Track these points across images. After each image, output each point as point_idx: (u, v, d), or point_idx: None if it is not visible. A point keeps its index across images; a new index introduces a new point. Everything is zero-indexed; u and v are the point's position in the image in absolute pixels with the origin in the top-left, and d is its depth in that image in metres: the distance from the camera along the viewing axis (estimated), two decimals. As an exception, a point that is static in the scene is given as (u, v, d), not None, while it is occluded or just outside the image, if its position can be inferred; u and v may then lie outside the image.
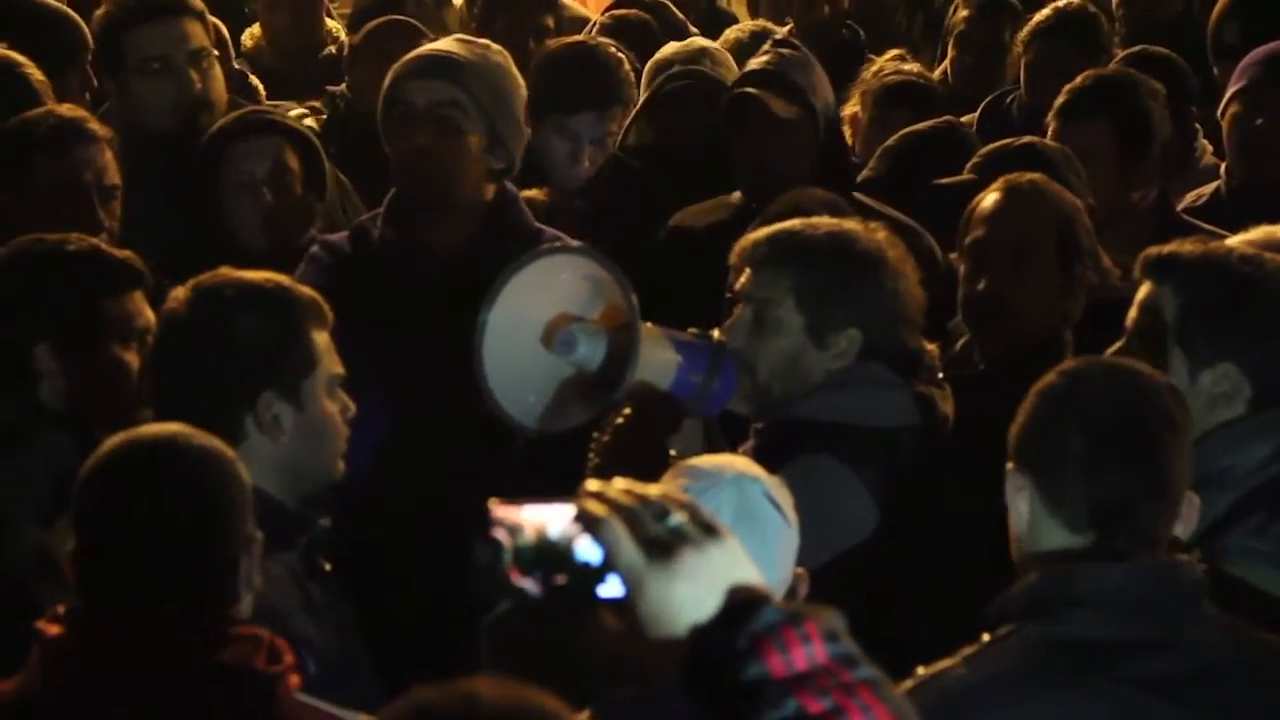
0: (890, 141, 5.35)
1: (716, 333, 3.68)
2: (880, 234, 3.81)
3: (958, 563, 3.65)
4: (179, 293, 3.44)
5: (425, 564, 4.08)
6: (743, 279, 3.77)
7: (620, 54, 5.27)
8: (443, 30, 6.04)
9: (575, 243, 4.14)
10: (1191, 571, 2.96)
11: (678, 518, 2.08)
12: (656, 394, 3.45)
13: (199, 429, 2.97)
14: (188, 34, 5.00)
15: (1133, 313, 3.56)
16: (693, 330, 3.64)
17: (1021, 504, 2.98)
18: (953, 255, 4.21)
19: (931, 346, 3.94)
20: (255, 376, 3.35)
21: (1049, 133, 5.01)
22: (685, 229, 4.95)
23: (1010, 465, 3.01)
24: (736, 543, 2.09)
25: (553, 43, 5.51)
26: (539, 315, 3.49)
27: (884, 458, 3.70)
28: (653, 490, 2.11)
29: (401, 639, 3.85)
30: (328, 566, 3.46)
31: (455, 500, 3.43)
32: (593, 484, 2.11)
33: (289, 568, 3.31)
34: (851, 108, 5.80)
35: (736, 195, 4.97)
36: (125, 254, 3.74)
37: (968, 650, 2.93)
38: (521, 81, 4.49)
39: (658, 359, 3.48)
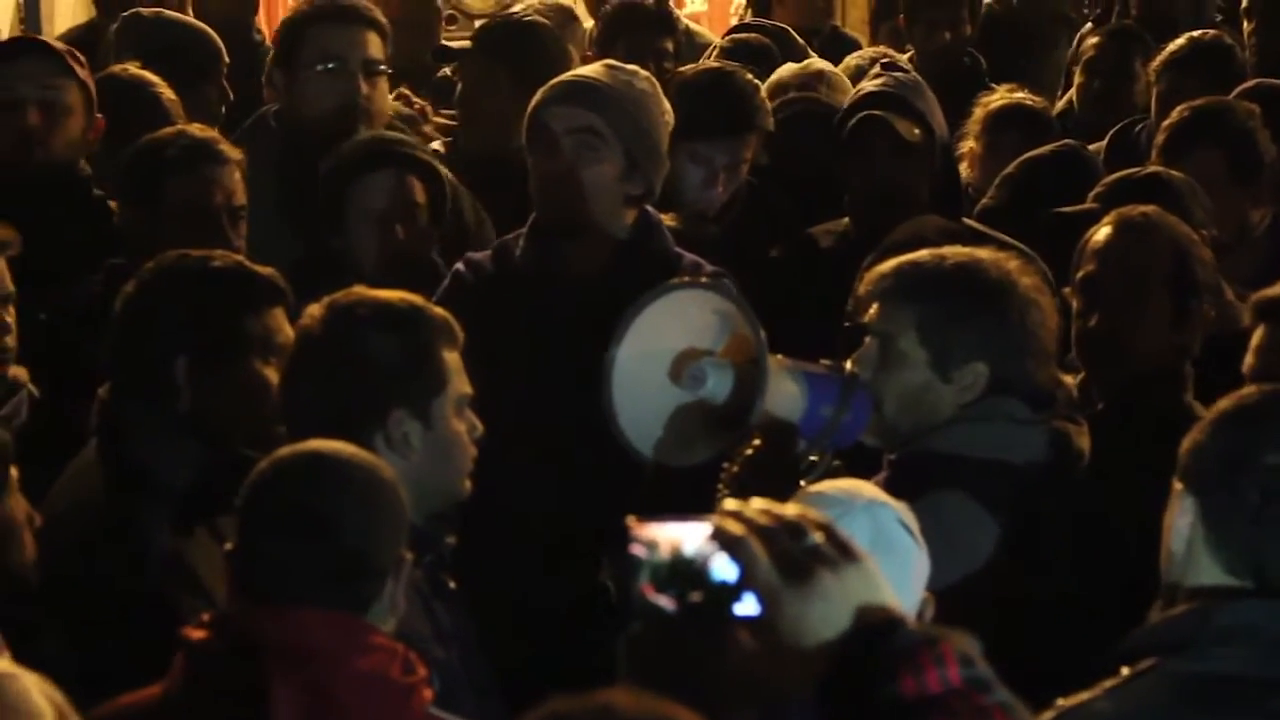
0: (1010, 168, 5.36)
1: (848, 364, 3.67)
2: (1013, 264, 3.79)
3: (1086, 598, 3.68)
4: (314, 310, 3.50)
5: (553, 585, 4.13)
6: (870, 312, 3.77)
7: (755, 80, 5.30)
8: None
9: (704, 276, 4.18)
10: None
11: (814, 538, 2.12)
12: (788, 426, 3.48)
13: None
14: (365, 41, 5.12)
15: (1249, 359, 3.54)
16: (824, 362, 3.65)
17: (1183, 528, 2.93)
18: (1065, 290, 4.19)
19: (1069, 379, 3.93)
20: (387, 395, 3.41)
21: None
22: (798, 254, 4.97)
23: (1179, 484, 2.96)
24: (872, 565, 2.13)
25: (688, 68, 5.56)
26: (667, 350, 3.52)
27: (1015, 493, 3.68)
28: (789, 511, 2.16)
29: (528, 657, 3.89)
30: (453, 584, 3.53)
31: (584, 524, 3.51)
32: (730, 503, 2.16)
33: (415, 585, 3.37)
34: (968, 142, 5.81)
35: (845, 222, 5.00)
36: (268, 270, 3.82)
37: (1110, 683, 2.91)
38: (665, 109, 4.52)
39: (787, 392, 3.49)
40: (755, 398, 3.38)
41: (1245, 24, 6.74)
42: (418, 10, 6.97)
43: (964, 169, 5.64)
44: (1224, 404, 3.03)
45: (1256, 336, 3.53)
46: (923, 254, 3.82)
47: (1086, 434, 3.82)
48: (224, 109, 5.57)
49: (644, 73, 4.58)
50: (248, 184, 4.62)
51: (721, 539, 2.13)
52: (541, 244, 4.48)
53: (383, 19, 5.29)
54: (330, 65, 5.10)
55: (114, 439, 3.73)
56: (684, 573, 2.14)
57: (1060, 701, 2.88)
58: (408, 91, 5.98)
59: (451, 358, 3.48)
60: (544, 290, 4.44)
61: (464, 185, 5.11)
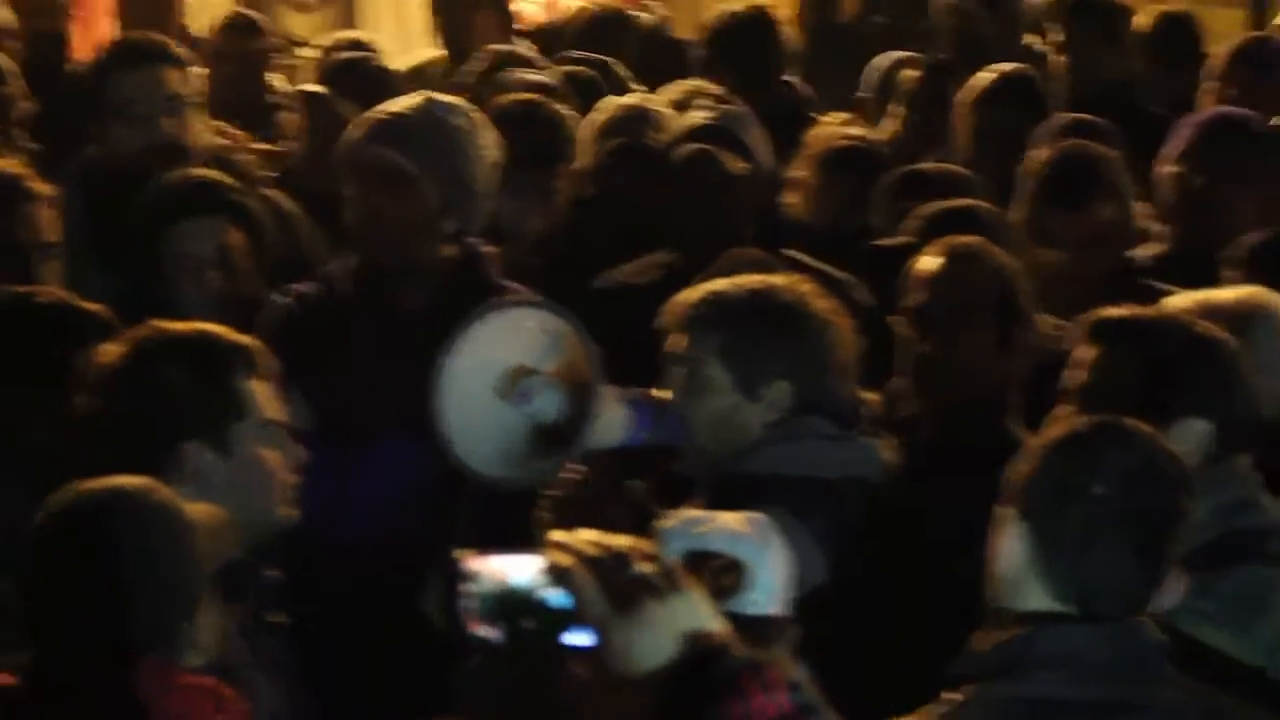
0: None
1: (657, 391, 3.74)
2: (806, 286, 3.90)
3: (903, 615, 3.72)
4: (111, 346, 3.49)
5: (382, 613, 4.11)
6: (675, 341, 3.84)
7: (564, 111, 5.32)
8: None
9: (536, 295, 4.19)
10: (1154, 633, 2.99)
11: (642, 567, 2.13)
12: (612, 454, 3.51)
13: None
14: (163, 79, 5.17)
15: (1082, 375, 3.61)
16: (638, 389, 3.71)
17: (1012, 552, 2.99)
18: (892, 317, 4.27)
19: (871, 396, 4.00)
20: (179, 426, 3.36)
21: None
22: (619, 285, 5.01)
23: (1009, 509, 3.02)
24: (699, 593, 2.14)
25: (498, 100, 5.57)
26: (497, 365, 3.54)
27: (829, 508, 3.75)
28: (618, 541, 2.16)
29: (358, 691, 3.87)
30: (278, 618, 3.48)
31: (410, 550, 3.49)
32: (559, 534, 2.16)
33: (237, 620, 3.33)
34: (798, 170, 5.85)
35: (663, 255, 5.03)
36: (99, 307, 3.78)
37: (936, 708, 2.95)
38: (483, 143, 4.52)
39: (611, 414, 3.53)
40: (584, 419, 3.40)
41: (1060, 54, 6.86)
42: (245, 44, 6.94)
43: (795, 199, 5.67)
44: (1056, 431, 3.10)
45: (1088, 354, 3.60)
46: (719, 282, 3.92)
47: (892, 448, 3.91)
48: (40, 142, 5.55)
49: (464, 105, 4.59)
50: (64, 222, 4.58)
51: (551, 569, 2.12)
52: (368, 278, 4.47)
53: (178, 53, 5.34)
54: (132, 109, 5.13)
55: None
56: (513, 603, 2.13)
57: (888, 726, 2.92)
58: (224, 124, 5.95)
59: (255, 385, 3.44)
60: (367, 323, 4.42)
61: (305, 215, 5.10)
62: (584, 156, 5.46)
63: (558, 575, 2.12)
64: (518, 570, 2.15)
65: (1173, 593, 3.12)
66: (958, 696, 2.95)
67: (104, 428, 3.42)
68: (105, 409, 3.43)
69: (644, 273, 5.05)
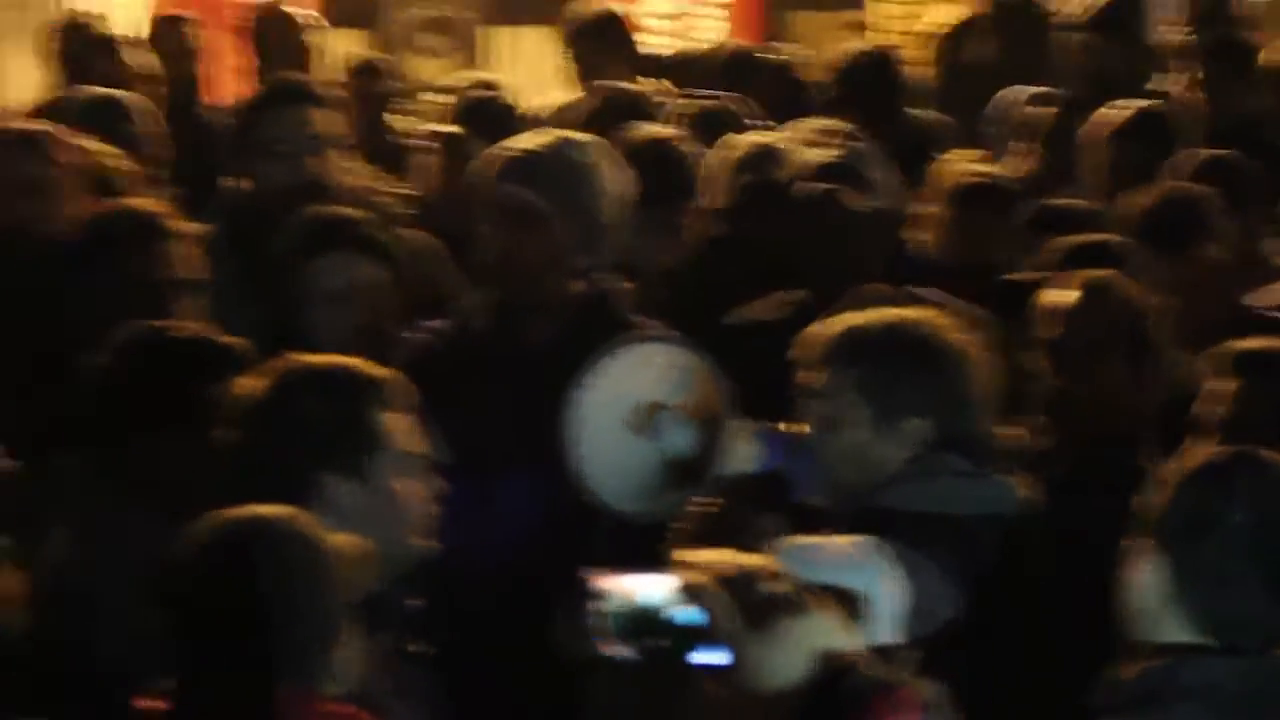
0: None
1: (794, 426, 3.74)
2: (944, 320, 3.88)
3: (1036, 650, 3.70)
4: (249, 378, 3.53)
5: (519, 643, 4.14)
6: (812, 375, 3.83)
7: (689, 147, 5.35)
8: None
9: (667, 330, 4.21)
10: None
11: (775, 586, 2.14)
12: (750, 483, 3.52)
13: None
14: (309, 119, 5.27)
15: (1222, 409, 3.59)
16: (772, 424, 3.71)
17: (1150, 585, 2.98)
18: (1026, 353, 4.25)
19: (1014, 432, 3.97)
20: (318, 457, 3.39)
21: None
22: (750, 322, 5.02)
23: (1146, 541, 3.01)
24: (832, 611, 2.15)
25: (632, 134, 5.61)
26: (629, 399, 3.56)
27: (961, 544, 3.72)
28: (749, 560, 2.18)
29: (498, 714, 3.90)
30: (420, 648, 3.51)
31: (544, 581, 3.51)
32: (688, 553, 2.18)
33: (380, 650, 3.36)
34: (927, 206, 5.85)
35: (793, 293, 5.04)
36: (235, 340, 3.85)
37: None
38: (614, 179, 4.56)
39: (742, 450, 3.54)
40: (714, 453, 3.41)
41: (1192, 91, 6.83)
42: (371, 87, 7.05)
43: (924, 235, 5.67)
44: (1193, 461, 3.08)
45: (1229, 387, 3.58)
46: (859, 316, 3.90)
47: (1029, 485, 3.87)
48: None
49: (595, 142, 4.63)
50: (212, 260, 4.65)
51: (686, 586, 2.14)
52: (499, 313, 4.52)
53: (325, 94, 5.45)
54: (278, 146, 5.22)
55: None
56: (646, 621, 2.16)
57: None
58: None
59: (392, 417, 3.47)
60: (500, 358, 4.46)
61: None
62: (715, 194, 5.49)
63: (692, 592, 2.14)
64: (648, 589, 2.17)
65: None
66: None
67: (243, 459, 3.45)
68: (244, 441, 3.47)
69: (773, 310, 5.06)
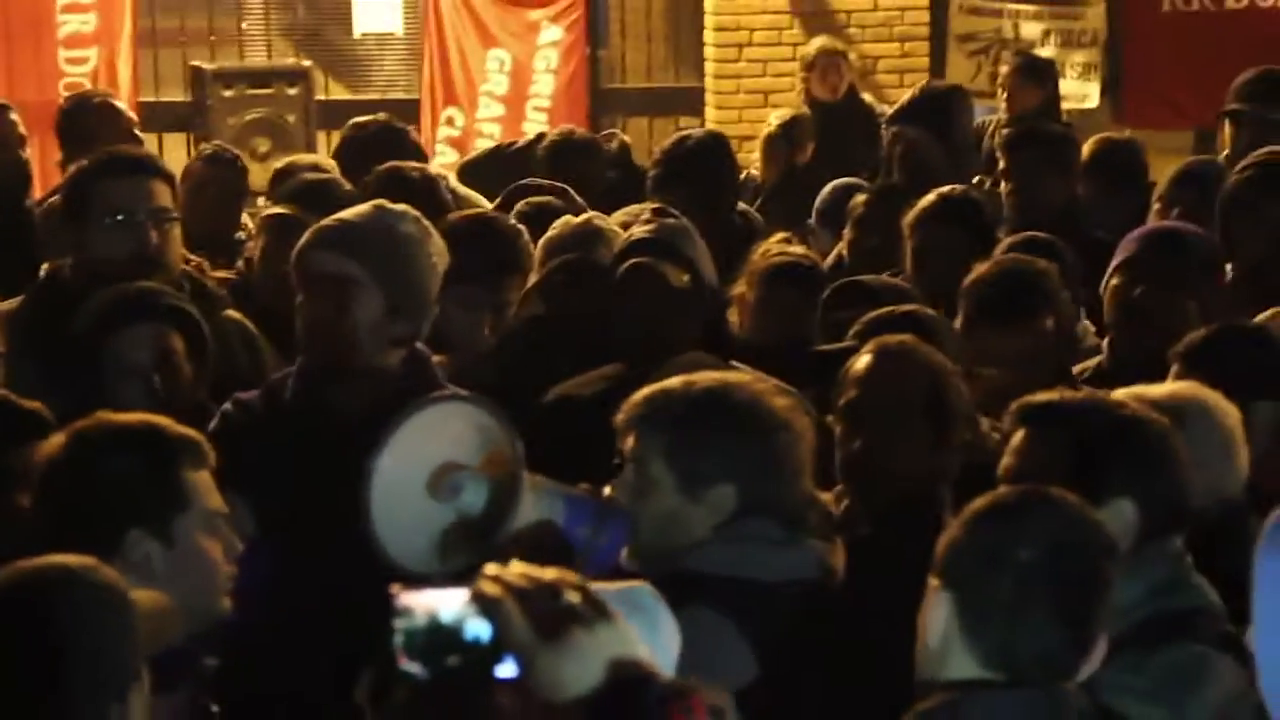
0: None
1: (607, 489, 3.74)
2: (763, 386, 3.89)
3: (837, 711, 3.72)
4: (56, 437, 3.51)
5: (317, 706, 4.10)
6: (626, 440, 3.84)
7: (517, 225, 5.39)
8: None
9: (463, 391, 4.22)
10: (1081, 700, 3.02)
11: (569, 597, 2.16)
12: (547, 533, 3.51)
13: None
14: (153, 192, 5.20)
15: (1007, 460, 3.66)
16: (584, 486, 3.70)
17: (938, 623, 3.02)
18: (828, 418, 4.29)
19: (826, 496, 4.01)
20: (122, 514, 3.38)
21: None
22: (565, 399, 5.05)
23: (935, 580, 3.05)
24: (625, 623, 2.17)
25: (451, 216, 5.64)
26: (426, 462, 3.54)
27: (766, 612, 3.74)
28: (547, 573, 2.20)
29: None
30: (214, 708, 3.49)
31: (346, 645, 3.49)
32: (490, 567, 2.19)
33: (173, 710, 3.33)
34: (739, 288, 5.93)
35: (614, 367, 5.06)
36: (33, 405, 3.80)
37: None
38: (433, 251, 4.58)
39: (542, 509, 3.53)
40: (508, 512, 3.41)
41: (1003, 183, 6.97)
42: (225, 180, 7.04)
43: (737, 317, 5.74)
44: (980, 502, 3.14)
45: (1016, 439, 3.65)
46: (674, 380, 3.90)
47: (841, 552, 3.88)
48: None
49: (413, 213, 4.64)
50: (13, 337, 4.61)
51: (478, 600, 2.15)
52: (309, 383, 4.51)
53: (168, 169, 5.39)
54: (119, 217, 5.14)
55: None
56: (440, 638, 2.15)
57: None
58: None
59: (198, 476, 3.47)
60: (312, 428, 4.45)
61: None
62: (535, 273, 5.53)
63: (484, 604, 2.15)
64: (448, 604, 2.17)
65: (1097, 661, 3.13)
66: None
67: (46, 518, 3.43)
68: (47, 499, 3.45)
69: (589, 385, 5.10)
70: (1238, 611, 3.48)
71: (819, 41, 10.75)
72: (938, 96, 7.84)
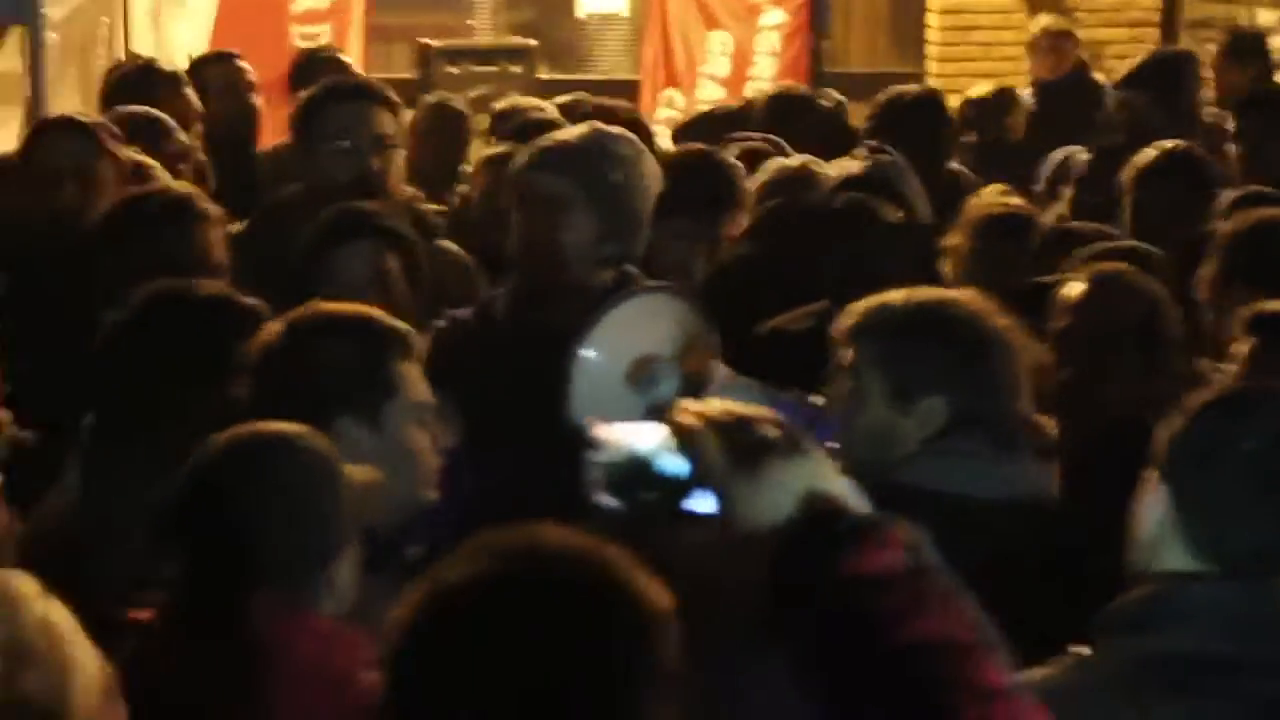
0: None
1: (818, 399, 3.72)
2: (984, 304, 3.83)
3: (1041, 640, 3.67)
4: (273, 325, 3.58)
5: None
6: (843, 349, 3.82)
7: (734, 160, 5.40)
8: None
9: (665, 283, 4.23)
10: None
11: (766, 431, 2.16)
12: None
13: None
14: (374, 118, 5.27)
15: (1238, 369, 3.58)
16: (795, 391, 3.68)
17: (1154, 515, 2.97)
18: (1042, 346, 4.26)
19: (1038, 418, 3.95)
20: (333, 399, 3.43)
21: None
22: (779, 331, 5.04)
23: (1154, 471, 3.00)
24: (824, 457, 2.16)
25: (670, 148, 5.67)
26: (627, 353, 3.57)
27: (974, 530, 3.71)
28: (746, 409, 2.20)
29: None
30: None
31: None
32: (687, 402, 2.19)
33: (379, 589, 3.37)
34: (954, 238, 5.89)
35: (824, 303, 5.04)
36: (254, 301, 3.89)
37: (1066, 659, 2.95)
38: (646, 172, 4.60)
39: (727, 395, 3.53)
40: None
41: (1233, 145, 6.85)
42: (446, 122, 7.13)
43: (951, 266, 5.70)
44: (1205, 394, 3.07)
45: (1245, 347, 3.57)
46: (894, 294, 3.86)
47: (1054, 473, 3.83)
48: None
49: (628, 135, 4.67)
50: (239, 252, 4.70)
51: (676, 429, 2.16)
52: (522, 301, 4.56)
53: (393, 96, 5.44)
54: (343, 141, 5.21)
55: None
56: (635, 473, 2.16)
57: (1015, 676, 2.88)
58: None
59: (408, 367, 3.51)
60: (525, 346, 4.49)
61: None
62: (748, 212, 5.54)
63: (682, 435, 2.15)
64: (642, 438, 2.18)
65: None
66: (1085, 650, 2.92)
67: (260, 401, 3.48)
68: (261, 381, 3.51)
69: (799, 320, 5.09)
70: None
71: (1043, 20, 10.61)
72: (1166, 61, 7.72)
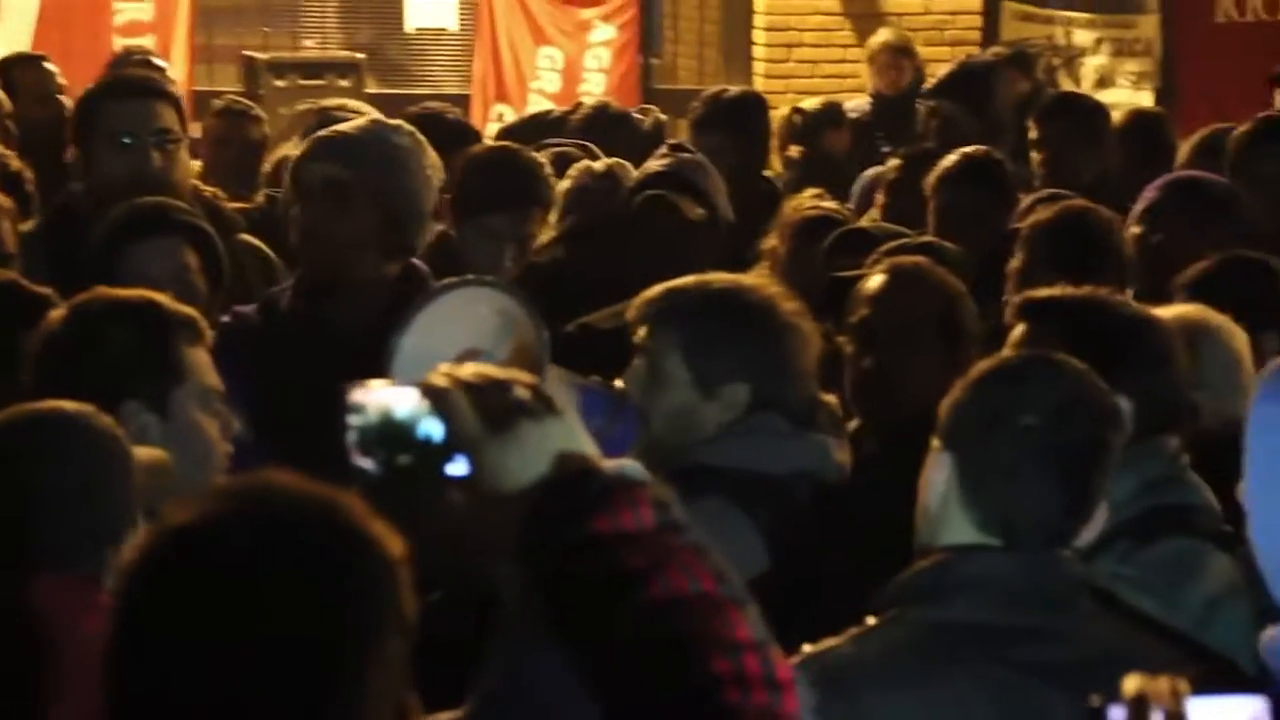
0: None
1: (619, 382, 3.76)
2: (774, 289, 3.91)
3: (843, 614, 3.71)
4: (57, 311, 3.54)
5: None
6: (640, 333, 3.86)
7: (540, 158, 5.40)
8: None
9: (488, 277, 4.23)
10: (1075, 566, 3.00)
11: (519, 392, 2.15)
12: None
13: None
14: (156, 114, 5.19)
15: (1007, 352, 3.64)
16: (595, 378, 3.69)
17: (938, 485, 3.01)
18: (839, 337, 4.29)
19: (831, 399, 4.02)
20: (119, 385, 3.40)
21: None
22: (586, 327, 5.06)
23: (937, 442, 3.03)
24: (575, 419, 2.17)
25: (475, 147, 5.66)
26: (449, 346, 3.54)
27: (776, 503, 3.76)
28: (500, 371, 2.20)
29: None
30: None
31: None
32: (444, 365, 2.19)
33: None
34: (770, 241, 5.93)
35: (626, 303, 5.05)
36: (43, 290, 3.82)
37: (854, 631, 2.99)
38: (427, 164, 4.58)
39: (559, 399, 3.53)
40: None
41: (1034, 152, 6.96)
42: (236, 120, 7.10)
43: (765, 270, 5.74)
44: (984, 365, 3.12)
45: (1016, 332, 3.63)
46: (689, 279, 3.93)
47: (847, 448, 3.90)
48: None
49: (408, 127, 4.64)
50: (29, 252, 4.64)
51: (427, 392, 2.15)
52: (306, 295, 4.52)
53: (174, 91, 5.40)
54: (124, 139, 5.16)
55: None
56: (392, 435, 2.14)
57: (806, 648, 2.93)
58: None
59: (195, 353, 3.49)
60: (310, 342, 4.46)
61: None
62: (556, 219, 5.54)
63: (434, 397, 2.14)
64: (401, 402, 2.16)
65: (1096, 529, 3.10)
66: (872, 620, 2.97)
67: (43, 385, 3.43)
68: (44, 369, 3.48)
69: (607, 319, 5.10)
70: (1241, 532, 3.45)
71: (883, 35, 10.64)
72: (975, 71, 7.84)
